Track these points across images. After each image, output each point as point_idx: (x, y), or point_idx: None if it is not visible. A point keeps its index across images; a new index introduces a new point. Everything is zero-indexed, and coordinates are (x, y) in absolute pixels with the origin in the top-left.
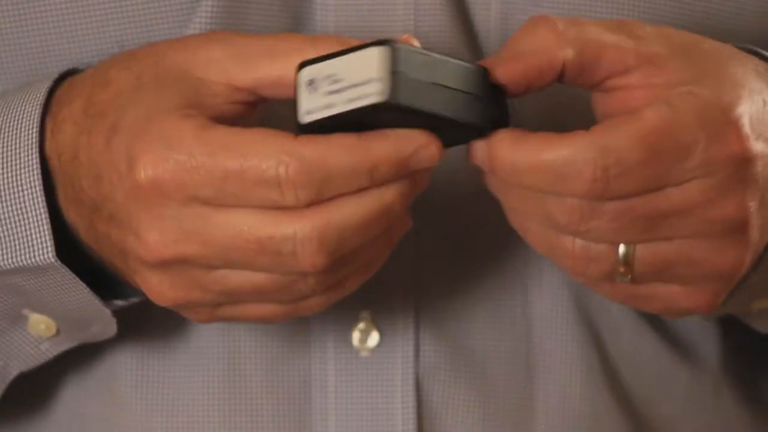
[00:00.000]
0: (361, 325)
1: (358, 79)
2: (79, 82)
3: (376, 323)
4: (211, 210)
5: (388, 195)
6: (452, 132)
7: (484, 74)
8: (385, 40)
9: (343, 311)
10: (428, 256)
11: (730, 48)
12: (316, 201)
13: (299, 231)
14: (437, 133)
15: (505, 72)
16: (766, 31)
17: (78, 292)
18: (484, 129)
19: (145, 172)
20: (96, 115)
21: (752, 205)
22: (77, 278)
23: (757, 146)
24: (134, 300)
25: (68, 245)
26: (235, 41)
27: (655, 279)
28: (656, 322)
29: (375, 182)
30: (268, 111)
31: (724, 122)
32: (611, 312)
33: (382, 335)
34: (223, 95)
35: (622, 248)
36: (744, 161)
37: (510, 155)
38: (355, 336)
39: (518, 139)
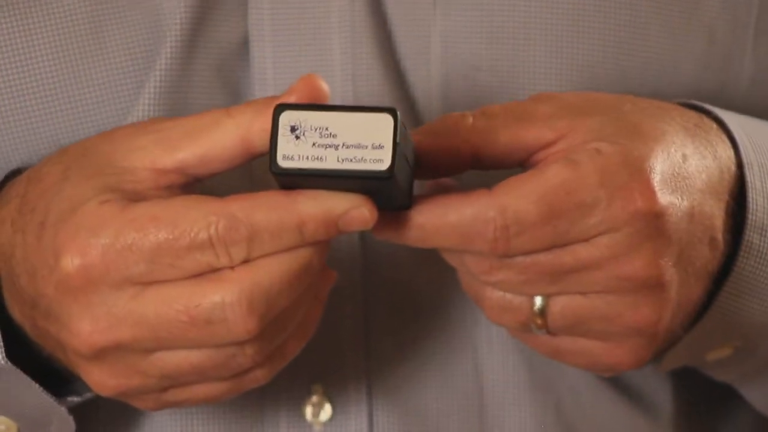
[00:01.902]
0: (314, 399)
1: (358, 140)
2: (17, 182)
3: (329, 396)
4: (141, 289)
5: (303, 251)
6: (389, 200)
7: (416, 150)
8: (389, 108)
9: (295, 385)
10: (377, 323)
11: (661, 105)
12: (249, 259)
13: (227, 296)
14: (372, 197)
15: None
16: (703, 84)
17: (31, 392)
18: (412, 201)
19: (72, 262)
20: (28, 213)
21: (665, 261)
22: (30, 379)
23: (667, 201)
24: (88, 395)
25: (20, 344)
26: (159, 126)
27: (571, 333)
28: (613, 377)
29: (306, 241)
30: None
31: (628, 178)
32: (567, 371)
33: (335, 408)
34: (148, 180)
35: (538, 300)
36: (652, 217)
37: (418, 220)
38: (308, 410)
39: (423, 203)
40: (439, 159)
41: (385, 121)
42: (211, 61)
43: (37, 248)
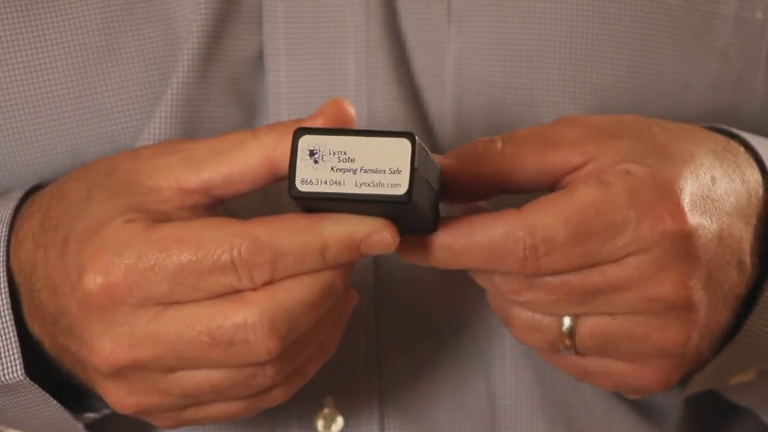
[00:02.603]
0: (326, 411)
1: (376, 165)
2: (39, 197)
3: (340, 409)
4: (163, 309)
5: (326, 273)
6: (413, 223)
7: (441, 174)
8: (407, 133)
9: (308, 397)
10: (390, 339)
11: (689, 128)
12: (271, 281)
13: (249, 317)
14: (395, 221)
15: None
16: (716, 105)
17: (49, 408)
18: (437, 224)
19: (95, 280)
20: (51, 229)
21: (694, 282)
22: (47, 395)
23: (696, 222)
24: (106, 412)
25: (39, 359)
26: (183, 147)
27: (600, 353)
28: None
29: (328, 264)
30: None
31: (658, 199)
32: (579, 386)
33: (346, 420)
34: (173, 201)
35: (566, 321)
36: (681, 238)
37: (445, 241)
38: (320, 423)
39: (450, 224)
40: (466, 183)
41: (403, 145)
42: (227, 74)
43: (60, 265)
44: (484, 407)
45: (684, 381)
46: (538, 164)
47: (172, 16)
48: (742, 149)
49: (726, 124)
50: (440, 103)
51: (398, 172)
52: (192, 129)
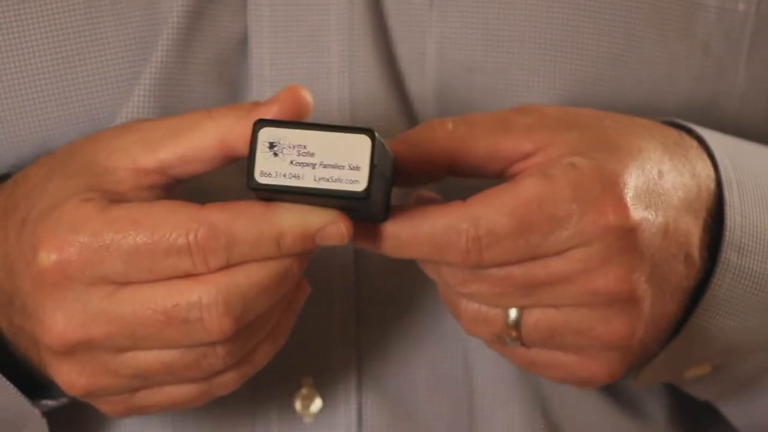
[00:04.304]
0: (304, 391)
1: (335, 160)
2: (5, 184)
3: (319, 389)
4: (116, 288)
5: (287, 259)
6: (365, 213)
7: (395, 161)
8: (366, 129)
9: (286, 378)
10: (368, 321)
11: (642, 122)
12: (225, 266)
13: (204, 296)
14: (349, 212)
15: (403, 154)
16: (697, 96)
17: (7, 393)
18: (389, 213)
19: (48, 257)
20: (11, 211)
21: (637, 276)
22: (5, 379)
23: (639, 216)
24: (64, 400)
25: None
26: (143, 127)
27: (546, 345)
28: None
29: (282, 253)
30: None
31: (601, 193)
32: None
33: (324, 401)
34: (129, 181)
35: (512, 313)
36: (624, 231)
37: (393, 230)
38: (298, 403)
39: (399, 214)
40: (416, 167)
41: (363, 142)
42: (209, 55)
43: (17, 244)
44: (462, 389)
45: (635, 373)
46: (489, 148)
47: None
48: (695, 143)
49: (706, 115)
50: (422, 87)
51: (357, 168)
52: (172, 109)
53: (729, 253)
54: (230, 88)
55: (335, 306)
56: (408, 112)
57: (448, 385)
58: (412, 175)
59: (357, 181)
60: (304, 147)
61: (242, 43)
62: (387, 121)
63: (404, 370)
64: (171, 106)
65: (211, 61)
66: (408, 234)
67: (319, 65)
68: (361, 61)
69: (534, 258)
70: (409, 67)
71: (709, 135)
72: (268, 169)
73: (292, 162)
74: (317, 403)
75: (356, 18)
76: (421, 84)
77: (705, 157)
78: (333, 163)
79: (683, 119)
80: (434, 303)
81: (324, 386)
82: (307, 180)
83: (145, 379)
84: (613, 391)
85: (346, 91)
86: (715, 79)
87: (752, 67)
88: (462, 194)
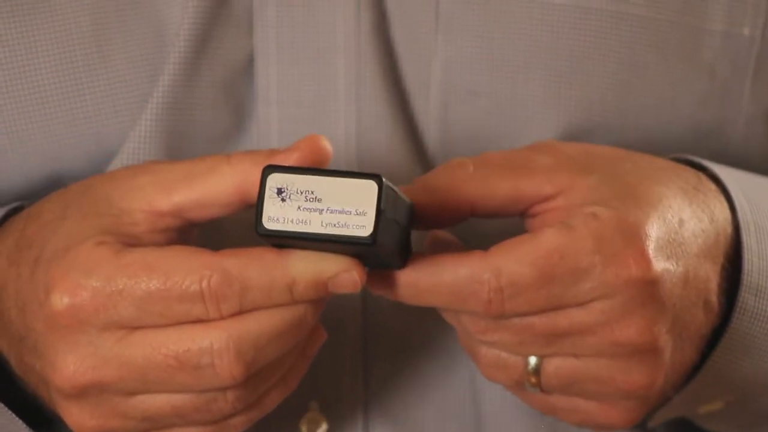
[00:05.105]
0: (310, 415)
1: (342, 206)
2: (17, 218)
3: (325, 413)
4: (128, 332)
5: (300, 306)
6: (380, 259)
7: (412, 208)
8: (373, 174)
9: (292, 401)
10: (375, 345)
11: (660, 164)
12: (238, 313)
13: (215, 342)
14: (363, 259)
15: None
16: (702, 120)
17: (15, 428)
18: (407, 260)
19: (61, 300)
20: (24, 248)
21: (659, 327)
22: (13, 414)
23: (661, 267)
24: None
25: (5, 378)
26: (158, 169)
27: (565, 392)
28: None
29: (295, 300)
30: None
31: (623, 245)
32: None
33: (330, 425)
34: (145, 223)
35: (532, 360)
36: (646, 284)
37: (411, 278)
38: (304, 427)
39: (418, 261)
40: (437, 212)
41: (369, 187)
42: (216, 77)
43: (30, 283)
44: (469, 413)
45: (650, 414)
46: (510, 191)
47: (162, 18)
48: (712, 186)
49: (712, 139)
50: (426, 110)
51: (364, 214)
52: (180, 132)
53: (746, 297)
54: (236, 110)
55: (343, 330)
56: (413, 135)
57: (455, 410)
58: (432, 219)
59: (363, 226)
60: (312, 192)
61: (248, 65)
62: (393, 145)
63: (411, 394)
64: (178, 128)
65: (217, 83)
66: (427, 283)
67: (326, 87)
68: (367, 82)
69: (556, 309)
70: (415, 89)
71: (724, 173)
72: (276, 215)
73: (299, 207)
74: (323, 427)
75: (363, 40)
76: (425, 107)
77: (722, 199)
78: (340, 209)
79: (689, 143)
80: (441, 330)
81: (330, 411)
82: (315, 225)
83: (155, 422)
84: None
85: (352, 113)
86: (721, 104)
87: (758, 91)
88: (476, 232)
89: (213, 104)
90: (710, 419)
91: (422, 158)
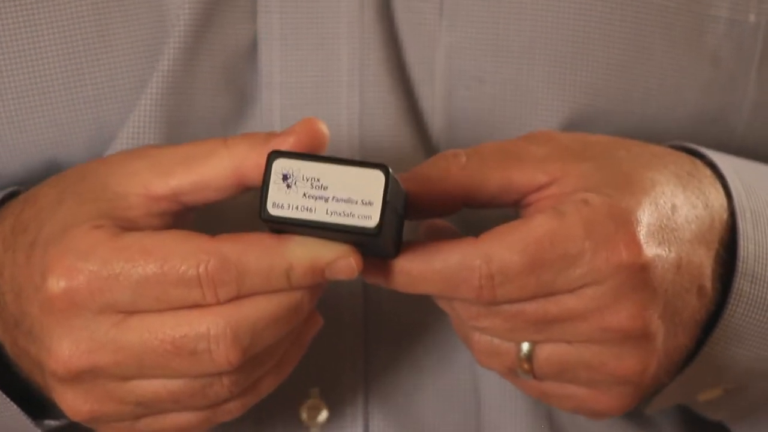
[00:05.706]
0: (310, 402)
1: (348, 195)
2: (14, 202)
3: (325, 399)
4: (125, 316)
5: (294, 292)
6: (376, 248)
7: (407, 197)
8: (380, 165)
9: (292, 388)
10: (376, 332)
11: (655, 151)
12: (235, 298)
13: (212, 327)
14: (360, 246)
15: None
16: (706, 107)
17: (9, 413)
18: (400, 248)
19: (57, 284)
20: (20, 232)
21: (650, 312)
22: (6, 398)
23: (652, 253)
24: (66, 421)
25: (1, 364)
26: (155, 153)
27: (558, 379)
28: None
29: (292, 285)
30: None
31: (614, 230)
32: None
33: (331, 411)
34: (141, 207)
35: (524, 347)
36: (637, 269)
37: (404, 266)
38: (304, 413)
39: (410, 249)
40: (430, 203)
41: (377, 177)
42: (218, 62)
43: (26, 267)
44: (469, 401)
45: (646, 401)
46: (501, 181)
47: (163, 2)
48: (708, 172)
49: (716, 126)
50: (431, 96)
51: (370, 204)
52: (181, 117)
53: (742, 283)
54: (238, 95)
55: (344, 317)
56: (417, 121)
57: (455, 397)
58: (426, 209)
59: (369, 216)
60: (318, 180)
61: (251, 50)
62: (396, 131)
63: (411, 381)
64: (178, 113)
65: (218, 68)
66: (419, 270)
67: (329, 72)
68: (371, 68)
69: (546, 295)
70: (419, 75)
71: (721, 160)
72: (281, 201)
73: (305, 195)
74: (323, 414)
75: (366, 25)
76: (430, 93)
77: (718, 185)
78: (346, 198)
79: (693, 130)
80: (442, 318)
81: (331, 397)
82: (319, 213)
83: (150, 407)
84: None
85: (356, 99)
86: (725, 91)
87: (763, 78)
88: (471, 220)
89: (214, 89)
90: (710, 407)
91: (426, 144)
